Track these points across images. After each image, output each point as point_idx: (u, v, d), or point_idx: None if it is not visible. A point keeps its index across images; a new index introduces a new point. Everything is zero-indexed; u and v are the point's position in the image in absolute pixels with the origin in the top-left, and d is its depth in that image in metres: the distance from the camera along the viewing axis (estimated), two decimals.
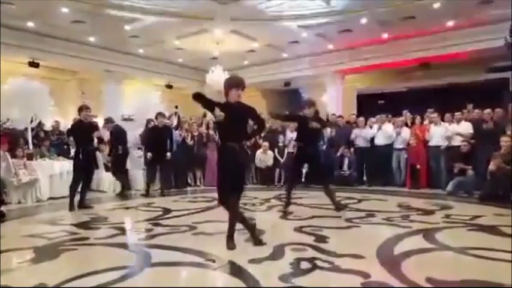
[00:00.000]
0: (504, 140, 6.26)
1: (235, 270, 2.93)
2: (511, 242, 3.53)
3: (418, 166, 7.90)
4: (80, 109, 6.14)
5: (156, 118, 7.69)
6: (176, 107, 9.66)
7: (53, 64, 11.27)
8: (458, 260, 3.18)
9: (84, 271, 2.88)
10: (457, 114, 7.82)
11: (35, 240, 3.99)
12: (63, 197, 6.67)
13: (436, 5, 8.23)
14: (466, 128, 7.47)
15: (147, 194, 7.36)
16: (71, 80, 12.84)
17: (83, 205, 6.02)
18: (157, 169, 7.67)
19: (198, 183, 9.14)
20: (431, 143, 7.87)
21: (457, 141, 7.43)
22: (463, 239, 3.88)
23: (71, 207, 5.84)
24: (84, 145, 6.00)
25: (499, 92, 10.03)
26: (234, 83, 3.62)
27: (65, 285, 2.64)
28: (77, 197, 6.03)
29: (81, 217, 5.29)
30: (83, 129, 6.05)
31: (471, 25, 9.37)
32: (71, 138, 6.88)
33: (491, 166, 6.11)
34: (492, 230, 4.14)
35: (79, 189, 6.05)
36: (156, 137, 7.50)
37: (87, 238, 4.05)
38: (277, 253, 3.30)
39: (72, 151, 7.03)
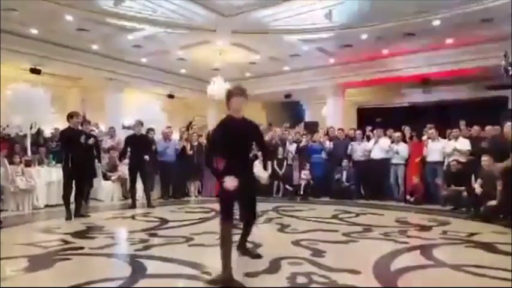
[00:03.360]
0: (485, 160, 6.11)
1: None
2: (511, 260, 3.50)
3: (416, 180, 7.90)
4: (70, 116, 5.97)
5: (135, 126, 7.40)
6: (169, 127, 9.48)
7: (55, 71, 11.33)
8: (455, 276, 3.15)
9: (78, 281, 2.85)
10: (455, 130, 7.81)
11: (30, 248, 3.97)
12: (60, 205, 6.64)
13: (436, 23, 8.33)
14: (464, 144, 7.46)
15: (132, 206, 7.06)
16: (73, 88, 12.88)
17: (79, 214, 5.97)
18: (136, 178, 7.17)
19: (197, 193, 9.12)
20: (429, 159, 7.87)
21: (455, 158, 7.42)
22: (460, 255, 3.87)
23: (68, 216, 5.81)
24: (73, 153, 5.83)
25: (498, 109, 10.08)
26: (238, 90, 3.22)
27: None
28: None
29: (77, 226, 5.27)
30: (72, 137, 5.86)
31: (471, 43, 9.44)
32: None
33: (477, 189, 6.09)
34: (489, 247, 4.12)
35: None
36: (133, 146, 7.11)
37: (82, 248, 4.02)
38: (274, 267, 3.28)
39: None
